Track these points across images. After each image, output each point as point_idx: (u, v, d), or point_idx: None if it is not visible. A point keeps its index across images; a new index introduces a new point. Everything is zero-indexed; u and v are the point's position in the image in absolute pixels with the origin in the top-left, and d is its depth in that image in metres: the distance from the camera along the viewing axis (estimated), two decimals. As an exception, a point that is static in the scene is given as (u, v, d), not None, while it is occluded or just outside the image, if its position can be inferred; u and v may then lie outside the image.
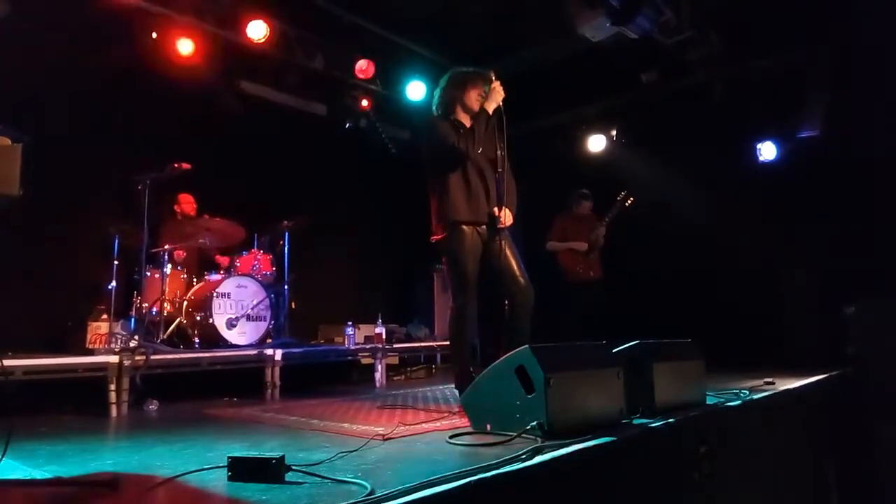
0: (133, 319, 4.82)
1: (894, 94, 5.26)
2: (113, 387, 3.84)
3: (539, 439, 2.22)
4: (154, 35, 5.50)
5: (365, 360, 5.88)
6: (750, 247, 6.01)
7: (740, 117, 6.20)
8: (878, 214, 5.39)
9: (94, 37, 5.19)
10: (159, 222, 5.49)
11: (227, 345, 4.91)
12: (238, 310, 5.07)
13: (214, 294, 4.94)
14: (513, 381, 2.43)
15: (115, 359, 3.90)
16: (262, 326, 5.22)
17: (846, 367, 4.80)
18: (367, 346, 5.77)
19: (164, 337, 4.84)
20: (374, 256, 7.76)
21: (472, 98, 3.77)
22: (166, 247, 5.13)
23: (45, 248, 5.01)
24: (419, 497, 1.59)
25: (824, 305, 5.56)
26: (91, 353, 4.32)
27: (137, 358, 3.98)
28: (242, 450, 2.31)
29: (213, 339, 4.92)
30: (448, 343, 4.03)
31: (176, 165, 4.70)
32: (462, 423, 2.83)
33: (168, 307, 5.04)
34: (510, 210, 3.73)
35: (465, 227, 3.64)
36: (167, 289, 5.04)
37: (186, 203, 5.68)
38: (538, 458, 1.98)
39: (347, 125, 7.17)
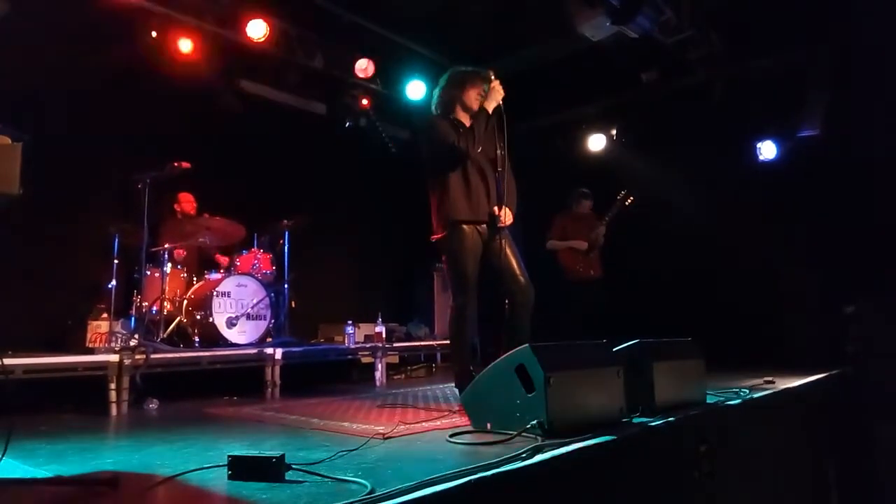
0: (133, 318, 4.82)
1: (894, 94, 5.25)
2: (113, 386, 3.84)
3: (539, 438, 2.22)
4: (154, 34, 5.50)
5: (365, 359, 5.88)
6: (750, 246, 6.01)
7: (740, 117, 6.20)
8: (878, 214, 5.39)
9: (94, 36, 5.18)
10: (159, 221, 5.49)
11: (227, 344, 4.91)
12: (238, 309, 5.07)
13: (214, 293, 4.94)
14: (513, 380, 2.43)
15: (115, 358, 3.90)
16: (262, 325, 5.22)
17: (846, 367, 4.80)
18: (368, 345, 5.78)
19: (164, 336, 4.84)
20: (374, 255, 7.76)
21: (472, 97, 3.77)
22: (166, 246, 5.13)
23: (46, 247, 5.01)
24: (419, 496, 1.59)
25: (824, 305, 5.56)
26: (91, 352, 4.32)
27: (137, 357, 3.98)
28: (242, 449, 2.31)
29: (213, 338, 4.92)
30: (448, 342, 4.03)
31: (176, 164, 4.70)
32: (462, 421, 2.84)
33: (168, 306, 5.04)
34: (510, 209, 3.73)
35: (465, 226, 3.64)
36: (167, 288, 5.04)
37: (186, 202, 5.68)
38: (538, 457, 1.98)
39: (347, 124, 7.17)
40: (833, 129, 5.75)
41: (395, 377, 6.26)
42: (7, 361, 3.41)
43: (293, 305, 5.81)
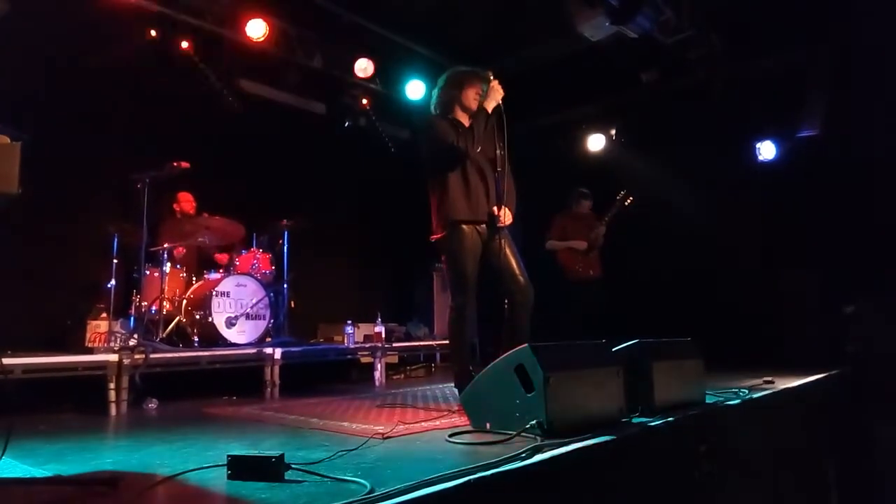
0: (132, 318, 4.82)
1: (894, 94, 5.25)
2: (112, 385, 3.84)
3: (538, 438, 2.22)
4: (154, 34, 5.50)
5: (364, 359, 5.88)
6: (750, 246, 6.01)
7: (740, 117, 6.20)
8: (878, 214, 5.39)
9: (94, 36, 5.19)
10: (159, 221, 5.48)
11: (226, 343, 4.90)
12: (237, 308, 5.07)
13: (214, 293, 4.93)
14: (512, 380, 2.43)
15: (114, 357, 3.89)
16: (262, 325, 5.21)
17: (846, 367, 4.80)
18: (367, 345, 5.77)
19: (164, 335, 4.84)
20: (374, 255, 7.76)
21: (470, 97, 3.77)
22: (165, 245, 5.13)
23: (45, 247, 5.01)
24: (418, 496, 1.59)
25: (824, 305, 5.56)
26: (90, 351, 4.32)
27: (137, 356, 3.97)
28: (242, 448, 2.31)
29: (213, 337, 4.92)
30: (447, 342, 4.04)
31: (175, 164, 4.70)
32: (461, 421, 2.84)
33: (167, 306, 5.03)
34: (510, 209, 3.73)
35: (464, 226, 3.64)
36: (166, 287, 5.03)
37: (186, 202, 5.68)
38: (538, 457, 1.98)
39: (347, 124, 7.18)
40: (833, 129, 5.75)
41: (395, 377, 6.26)
42: (6, 361, 3.41)
43: (292, 305, 5.81)
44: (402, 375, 6.45)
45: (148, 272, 5.00)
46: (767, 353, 5.26)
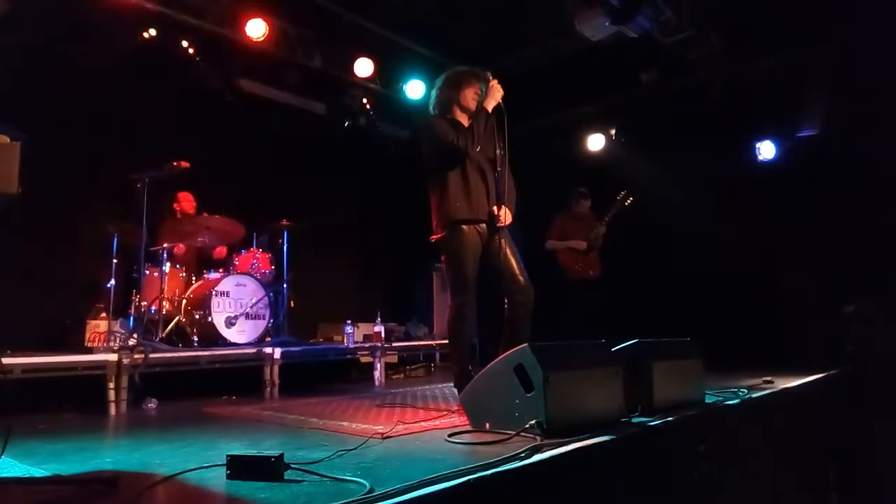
0: (132, 318, 4.82)
1: (894, 93, 5.25)
2: (112, 385, 3.84)
3: (538, 438, 2.22)
4: (153, 33, 5.50)
5: (364, 359, 5.89)
6: (750, 246, 6.01)
7: (740, 117, 6.20)
8: (878, 213, 5.39)
9: (94, 36, 5.18)
10: (159, 221, 5.49)
11: (225, 343, 4.91)
12: (237, 308, 5.07)
13: (213, 292, 4.93)
14: (512, 380, 2.43)
15: (114, 357, 3.89)
16: (261, 325, 5.21)
17: (846, 367, 4.80)
18: (366, 345, 5.77)
19: (163, 335, 4.84)
20: (374, 255, 7.76)
21: (469, 97, 3.77)
22: (165, 245, 5.13)
23: (45, 247, 5.01)
24: (418, 495, 1.59)
25: (824, 305, 5.56)
26: (90, 351, 4.32)
27: (136, 356, 3.97)
28: (241, 448, 2.31)
29: (212, 337, 4.92)
30: (447, 342, 4.04)
31: (175, 164, 4.70)
32: (461, 421, 2.83)
33: (167, 305, 5.04)
34: (510, 209, 3.73)
35: (464, 226, 3.64)
36: (166, 287, 5.03)
37: (186, 201, 5.68)
38: (537, 457, 1.98)
39: (347, 124, 7.17)
40: (833, 129, 5.75)
41: (394, 377, 6.25)
42: (6, 361, 3.41)
43: (292, 305, 5.81)
44: (402, 375, 6.45)
45: (147, 272, 5.00)
46: (767, 353, 5.26)
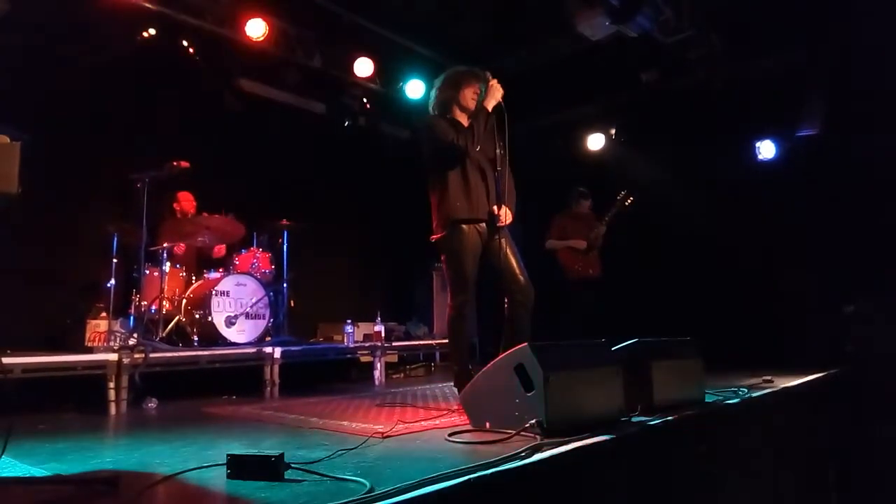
0: (132, 317, 4.82)
1: (894, 93, 5.25)
2: (112, 385, 3.84)
3: (538, 437, 2.22)
4: (153, 33, 5.50)
5: (364, 359, 5.89)
6: (750, 246, 6.01)
7: (740, 117, 6.20)
8: (878, 213, 5.39)
9: (94, 36, 5.18)
10: (159, 220, 5.49)
11: (226, 343, 4.91)
12: (237, 308, 5.07)
13: (213, 292, 4.94)
14: (512, 380, 2.43)
15: (114, 357, 3.89)
16: (261, 324, 5.21)
17: (845, 366, 4.80)
18: (367, 345, 5.77)
19: (163, 335, 4.84)
20: (374, 255, 7.76)
21: (468, 97, 3.77)
22: (165, 245, 5.13)
23: (45, 247, 5.01)
24: (418, 495, 1.59)
25: (824, 305, 5.56)
26: (90, 351, 4.32)
27: (136, 356, 3.98)
28: (242, 448, 2.31)
29: (212, 337, 4.92)
30: (447, 341, 4.04)
31: (175, 164, 4.70)
32: (461, 420, 2.84)
33: (167, 305, 5.04)
34: (510, 208, 3.73)
35: (464, 225, 3.64)
36: (166, 287, 5.03)
37: (186, 201, 5.68)
38: (537, 456, 1.98)
39: (346, 123, 7.17)
40: (833, 129, 5.75)
41: (394, 376, 6.26)
42: (6, 360, 3.41)
43: (292, 304, 5.81)
44: (402, 375, 6.45)
45: (147, 272, 5.00)
46: (767, 352, 5.26)
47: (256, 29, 5.78)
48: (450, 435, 2.49)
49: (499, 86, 3.69)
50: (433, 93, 3.89)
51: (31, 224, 4.69)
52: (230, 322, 4.99)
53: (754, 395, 3.44)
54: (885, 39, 5.23)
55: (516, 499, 1.88)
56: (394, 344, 6.03)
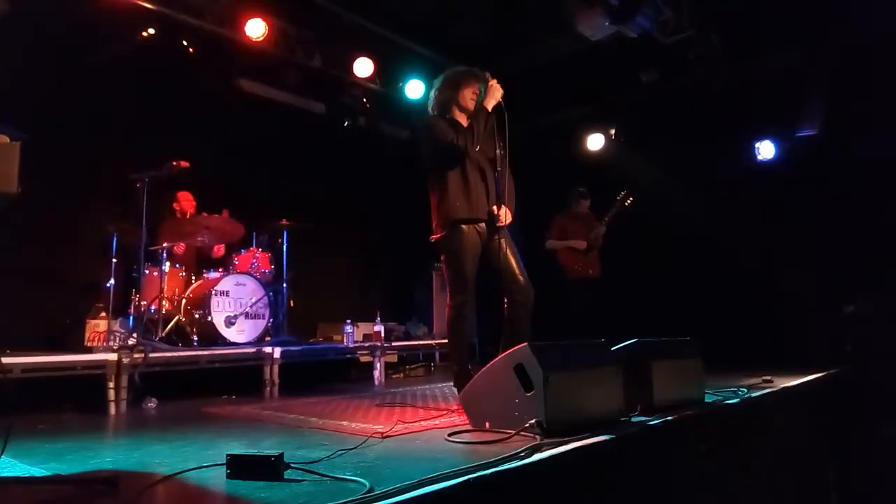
0: (132, 317, 4.81)
1: (894, 94, 5.25)
2: (112, 385, 3.84)
3: (538, 437, 2.22)
4: (153, 33, 5.50)
5: (364, 359, 5.88)
6: (750, 246, 6.01)
7: (740, 117, 6.20)
8: (878, 213, 5.39)
9: (94, 36, 5.19)
10: (159, 220, 5.49)
11: (225, 343, 4.91)
12: (237, 308, 5.07)
13: (213, 292, 4.93)
14: (512, 380, 2.43)
15: (113, 356, 3.89)
16: (261, 324, 5.21)
17: (845, 366, 4.80)
18: (366, 345, 5.77)
19: (163, 335, 4.84)
20: (373, 255, 7.76)
21: (467, 97, 3.76)
22: (164, 244, 5.13)
23: (45, 247, 5.01)
24: (418, 494, 1.59)
25: (824, 305, 5.56)
26: (90, 350, 4.32)
27: (136, 356, 3.97)
28: (241, 447, 2.31)
29: (212, 336, 4.92)
30: (446, 341, 4.04)
31: (175, 164, 4.70)
32: (461, 420, 2.84)
33: (167, 305, 5.04)
34: (509, 208, 3.74)
35: (464, 225, 3.64)
36: (166, 287, 5.03)
37: (186, 201, 5.68)
38: (537, 456, 1.98)
39: (346, 123, 7.17)
40: (833, 129, 5.75)
41: (394, 376, 6.26)
42: (6, 360, 3.41)
43: (292, 304, 5.81)
44: (402, 375, 6.45)
45: (147, 271, 5.00)
46: (767, 352, 5.25)
47: (256, 29, 5.78)
48: (449, 435, 2.49)
49: (498, 86, 3.69)
50: (432, 93, 3.89)
51: (31, 224, 4.69)
52: (230, 322, 4.99)
53: (754, 395, 3.44)
54: (885, 39, 5.23)
55: (516, 499, 1.88)
56: (393, 344, 6.02)
